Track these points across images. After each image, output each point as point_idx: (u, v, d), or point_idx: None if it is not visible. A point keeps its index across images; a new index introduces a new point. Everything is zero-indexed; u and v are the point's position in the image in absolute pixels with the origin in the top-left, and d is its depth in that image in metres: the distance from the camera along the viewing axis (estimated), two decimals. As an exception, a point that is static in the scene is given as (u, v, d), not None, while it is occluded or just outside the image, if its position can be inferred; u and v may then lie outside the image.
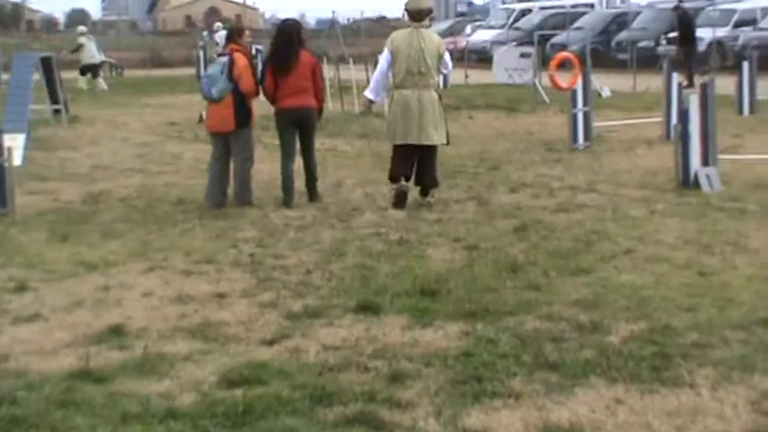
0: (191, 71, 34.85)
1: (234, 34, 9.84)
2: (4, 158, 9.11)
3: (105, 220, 8.99)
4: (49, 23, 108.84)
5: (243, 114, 9.50)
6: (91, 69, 28.84)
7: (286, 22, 10.33)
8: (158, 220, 8.94)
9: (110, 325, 5.72)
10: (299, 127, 9.74)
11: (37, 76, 16.74)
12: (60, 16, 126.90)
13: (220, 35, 34.18)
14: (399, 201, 9.36)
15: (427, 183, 9.64)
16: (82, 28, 31.83)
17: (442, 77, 11.06)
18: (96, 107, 21.51)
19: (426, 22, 9.80)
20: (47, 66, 17.47)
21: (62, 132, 16.40)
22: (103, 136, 16.05)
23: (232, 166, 9.65)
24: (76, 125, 17.57)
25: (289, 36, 9.63)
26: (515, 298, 6.16)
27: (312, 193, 9.89)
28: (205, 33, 45.57)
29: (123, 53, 45.13)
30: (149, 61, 41.53)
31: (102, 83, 28.58)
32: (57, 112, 17.63)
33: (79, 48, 29.24)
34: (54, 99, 17.72)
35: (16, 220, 8.90)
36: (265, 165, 10.87)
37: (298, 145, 9.88)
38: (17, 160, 11.09)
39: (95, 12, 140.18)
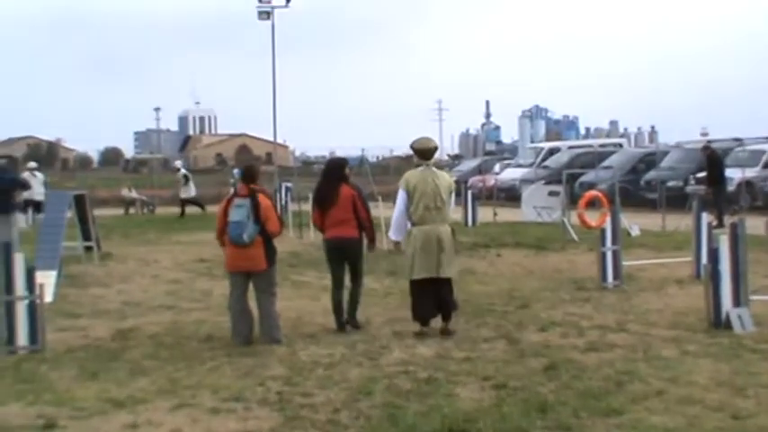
0: (221, 208, 35.42)
1: (250, 174, 10.01)
2: (36, 295, 9.21)
3: (134, 357, 9.01)
4: (84, 161, 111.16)
5: (271, 253, 9.72)
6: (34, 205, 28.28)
7: (332, 159, 11.29)
8: (187, 358, 8.94)
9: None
10: (344, 256, 10.32)
11: (70, 214, 17.01)
12: (94, 154, 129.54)
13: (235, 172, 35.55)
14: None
15: (449, 308, 9.99)
16: (32, 164, 32.05)
17: (471, 216, 11.44)
18: (128, 244, 21.79)
19: (433, 160, 10.31)
20: (80, 203, 17.79)
21: (94, 269, 16.58)
22: (134, 273, 16.20)
23: (256, 302, 9.75)
24: (108, 262, 17.78)
25: (330, 173, 10.44)
26: (545, 439, 6.07)
27: (351, 319, 10.31)
28: (235, 171, 46.37)
29: (156, 191, 45.97)
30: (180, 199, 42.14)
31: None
32: (89, 248, 17.86)
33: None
34: (86, 236, 17.98)
35: (46, 357, 8.93)
36: (293, 302, 10.92)
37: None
38: (48, 297, 11.22)
39: (128, 150, 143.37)
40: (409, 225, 10.00)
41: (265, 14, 45.39)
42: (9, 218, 19.09)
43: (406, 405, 7.04)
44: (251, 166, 10.22)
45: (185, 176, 32.18)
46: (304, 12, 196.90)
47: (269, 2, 45.27)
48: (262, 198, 9.66)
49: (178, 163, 33.49)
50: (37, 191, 28.37)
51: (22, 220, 26.57)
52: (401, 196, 9.94)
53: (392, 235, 10.23)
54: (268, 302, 9.72)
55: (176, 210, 34.47)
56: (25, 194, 26.97)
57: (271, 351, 9.17)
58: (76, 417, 6.85)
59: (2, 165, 21.74)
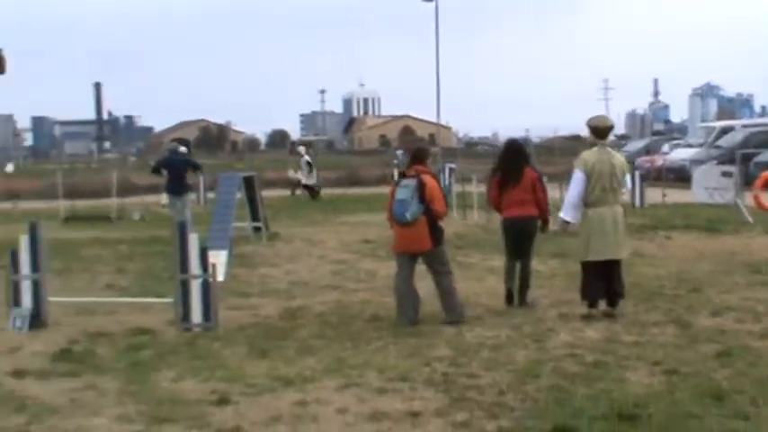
0: (385, 190, 35.75)
1: (419, 156, 10.03)
2: (208, 274, 9.50)
3: (302, 336, 9.18)
4: (252, 144, 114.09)
5: (437, 233, 9.72)
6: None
7: (512, 141, 11.29)
8: (353, 337, 9.06)
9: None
10: (522, 234, 10.46)
11: (240, 195, 17.47)
12: (262, 137, 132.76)
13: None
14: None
15: (619, 291, 9.89)
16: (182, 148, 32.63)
17: (639, 197, 11.26)
18: (294, 225, 22.24)
19: (609, 139, 10.27)
20: (249, 184, 18.26)
21: (262, 249, 16.99)
22: (301, 253, 16.52)
23: (434, 283, 9.86)
24: (276, 242, 18.18)
25: (514, 154, 10.59)
26: (721, 427, 5.89)
27: (522, 299, 10.47)
28: (399, 152, 46.70)
29: (321, 172, 46.71)
30: (345, 180, 42.77)
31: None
32: (257, 229, 18.32)
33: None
34: (255, 217, 18.46)
35: (219, 335, 9.21)
36: (458, 284, 10.88)
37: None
38: (220, 276, 11.56)
39: (294, 132, 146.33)
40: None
41: (428, -4, 45.46)
42: (183, 198, 19.90)
43: (573, 388, 6.94)
44: (421, 149, 10.32)
45: (308, 163, 31.95)
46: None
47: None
48: (427, 178, 9.68)
49: (302, 149, 33.62)
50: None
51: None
52: (578, 176, 9.76)
53: (566, 215, 10.02)
54: (446, 280, 9.82)
55: (340, 191, 35.09)
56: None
57: (436, 332, 9.19)
58: (248, 393, 7.03)
59: (173, 147, 22.51)
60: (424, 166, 9.90)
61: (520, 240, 10.46)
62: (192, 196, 21.62)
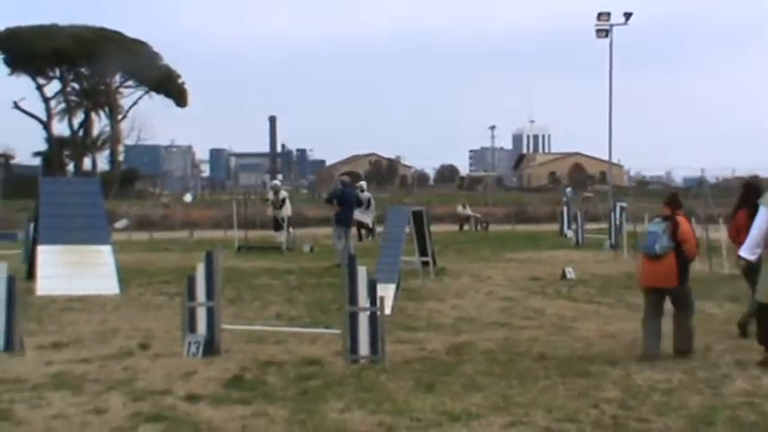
0: (554, 227, 35.35)
1: (674, 201, 10.13)
2: (377, 307, 9.57)
3: (468, 372, 9.12)
4: (421, 178, 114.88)
5: (684, 272, 9.86)
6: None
7: (754, 178, 11.95)
8: (520, 375, 8.94)
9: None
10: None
11: (408, 229, 17.60)
12: (431, 172, 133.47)
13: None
14: None
15: None
16: (277, 183, 32.07)
17: None
18: (462, 260, 22.24)
19: None
20: (418, 219, 18.37)
21: (430, 284, 17.05)
22: (468, 289, 16.48)
23: (674, 319, 9.96)
24: (443, 277, 18.22)
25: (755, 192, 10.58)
26: None
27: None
28: (568, 190, 46.14)
29: (489, 208, 46.65)
30: (514, 216, 42.55)
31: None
32: (425, 264, 18.39)
33: (284, 202, 28.36)
34: (423, 251, 18.54)
35: (386, 367, 9.25)
36: (628, 324, 10.67)
37: None
38: (388, 310, 11.64)
39: (463, 167, 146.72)
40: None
41: (603, 32, 44.92)
42: (349, 231, 20.32)
43: (751, 438, 6.64)
44: (675, 195, 10.41)
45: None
46: (642, 28, 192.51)
47: (607, 20, 44.75)
48: (681, 219, 9.93)
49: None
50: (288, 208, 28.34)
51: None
52: (763, 213, 9.45)
53: (745, 253, 9.68)
54: (683, 315, 9.92)
55: (506, 227, 34.80)
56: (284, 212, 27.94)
57: (605, 373, 8.97)
58: (414, 427, 7.02)
59: (346, 181, 23.05)
60: (679, 210, 10.08)
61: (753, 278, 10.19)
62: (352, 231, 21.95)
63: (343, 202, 21.04)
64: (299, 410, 7.51)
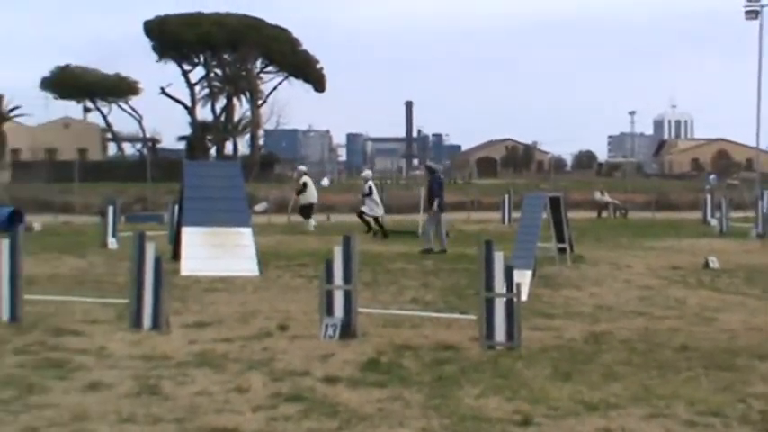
0: (696, 215, 34.44)
1: None
2: (513, 293, 9.49)
3: (607, 361, 8.96)
4: (558, 164, 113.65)
5: None
6: (309, 209, 28.65)
7: None
8: (660, 366, 8.73)
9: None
10: None
11: (545, 215, 17.40)
12: (568, 158, 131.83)
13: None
14: None
15: None
16: (303, 168, 31.93)
17: None
18: (600, 247, 21.88)
19: None
20: (555, 205, 18.14)
21: (567, 271, 16.83)
22: (606, 277, 16.21)
23: None
24: (580, 264, 17.97)
25: None
26: None
27: None
28: (712, 177, 44.88)
29: (628, 195, 45.74)
30: (654, 204, 41.61)
31: (311, 223, 28.26)
32: (562, 250, 18.16)
33: (304, 187, 28.53)
34: (560, 238, 18.30)
35: (522, 354, 9.17)
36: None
37: None
38: (524, 296, 11.53)
39: (602, 154, 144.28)
40: None
41: (753, 14, 43.44)
42: (439, 215, 20.90)
43: None
44: None
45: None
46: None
47: (758, 1, 43.23)
48: None
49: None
50: (314, 194, 29.01)
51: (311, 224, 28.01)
52: None
53: None
54: None
55: (646, 215, 34.07)
56: (308, 199, 28.34)
57: (752, 367, 8.68)
58: (551, 416, 6.94)
59: (433, 167, 23.59)
60: None
61: None
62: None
63: (438, 187, 21.60)
64: (434, 395, 7.52)
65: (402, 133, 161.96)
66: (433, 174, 22.74)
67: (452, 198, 42.52)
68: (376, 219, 26.23)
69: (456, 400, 7.36)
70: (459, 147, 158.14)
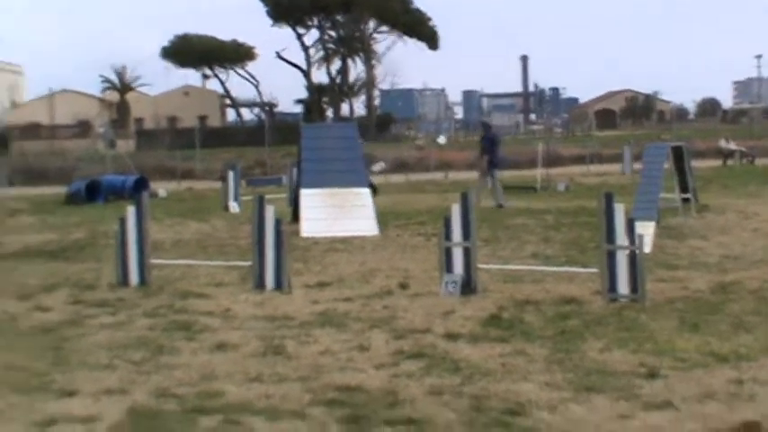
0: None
1: None
2: (636, 246, 9.31)
3: (735, 312, 8.72)
4: (680, 113, 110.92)
5: None
6: None
7: None
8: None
9: (744, 420, 5.49)
10: None
11: (667, 165, 17.00)
12: (691, 106, 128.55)
13: None
14: None
15: None
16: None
17: None
18: (726, 196, 21.29)
19: None
20: (677, 155, 17.69)
21: (691, 221, 16.44)
22: (733, 226, 15.77)
23: None
24: (705, 214, 17.52)
25: None
26: None
27: None
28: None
29: (756, 141, 44.37)
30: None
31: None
32: (686, 200, 17.72)
33: None
34: (684, 188, 17.86)
35: (646, 307, 9.00)
36: None
37: None
38: (647, 248, 11.30)
39: (726, 100, 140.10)
40: None
41: None
42: (495, 172, 21.04)
43: None
44: None
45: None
46: None
47: None
48: None
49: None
50: None
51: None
52: None
53: None
54: None
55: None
56: None
57: None
58: (678, 367, 6.79)
59: (488, 123, 24.58)
60: None
61: None
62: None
63: (492, 144, 21.96)
64: (557, 350, 7.44)
65: (518, 88, 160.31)
66: (488, 130, 23.15)
67: (571, 151, 42.00)
68: None
69: (580, 354, 7.27)
70: (576, 99, 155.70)
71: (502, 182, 21.98)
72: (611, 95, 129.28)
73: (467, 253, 10.15)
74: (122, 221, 11.10)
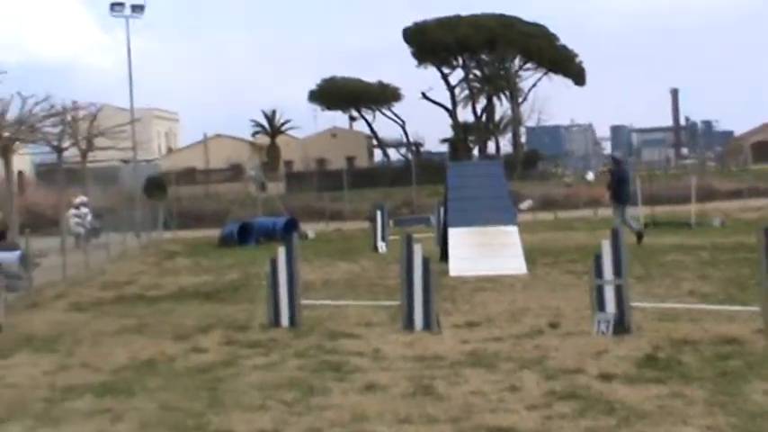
0: None
1: None
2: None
3: None
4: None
5: None
6: None
7: None
8: None
9: None
10: None
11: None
12: None
13: None
14: None
15: None
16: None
17: None
18: None
19: None
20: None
21: None
22: None
23: None
24: None
25: None
26: None
27: None
28: None
29: None
30: None
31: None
32: None
33: None
34: None
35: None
36: None
37: None
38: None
39: None
40: None
41: None
42: (624, 207, 20.88)
43: None
44: None
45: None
46: None
47: None
48: None
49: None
50: None
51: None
52: None
53: None
54: None
55: None
56: None
57: None
58: None
59: (618, 157, 24.61)
60: None
61: None
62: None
63: (619, 179, 21.39)
64: (718, 392, 7.13)
65: (668, 122, 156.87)
66: (617, 165, 22.74)
67: (726, 185, 40.80)
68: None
69: (743, 397, 6.94)
70: (731, 132, 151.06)
71: (656, 217, 21.45)
72: (767, 127, 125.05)
73: (619, 291, 9.89)
74: (273, 263, 11.28)
